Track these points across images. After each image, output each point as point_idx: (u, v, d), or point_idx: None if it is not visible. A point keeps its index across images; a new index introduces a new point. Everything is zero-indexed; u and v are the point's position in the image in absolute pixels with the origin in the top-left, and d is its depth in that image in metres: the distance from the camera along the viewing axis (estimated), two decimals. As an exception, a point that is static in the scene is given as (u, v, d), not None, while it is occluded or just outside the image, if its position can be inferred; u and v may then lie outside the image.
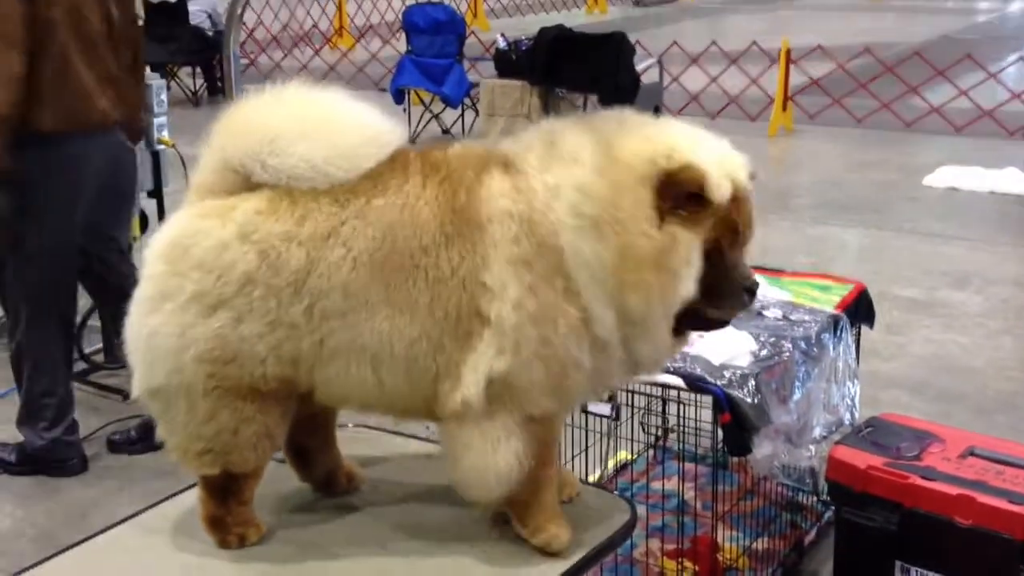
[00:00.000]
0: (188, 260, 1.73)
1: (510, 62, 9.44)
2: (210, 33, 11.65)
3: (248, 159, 1.74)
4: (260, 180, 1.75)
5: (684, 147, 1.72)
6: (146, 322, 1.76)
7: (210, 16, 11.82)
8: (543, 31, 9.34)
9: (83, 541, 1.90)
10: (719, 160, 1.74)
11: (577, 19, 17.72)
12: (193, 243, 1.74)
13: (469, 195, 1.73)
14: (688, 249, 1.70)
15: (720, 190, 1.72)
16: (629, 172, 1.69)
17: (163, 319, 1.74)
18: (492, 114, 9.44)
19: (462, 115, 10.10)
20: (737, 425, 2.72)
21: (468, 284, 1.71)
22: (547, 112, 9.43)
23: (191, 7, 11.68)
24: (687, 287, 1.71)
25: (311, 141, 1.73)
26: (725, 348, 2.87)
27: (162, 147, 4.44)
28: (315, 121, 1.76)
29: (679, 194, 1.69)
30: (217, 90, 12.12)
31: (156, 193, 4.52)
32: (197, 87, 12.20)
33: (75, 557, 1.86)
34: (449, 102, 9.93)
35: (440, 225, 1.72)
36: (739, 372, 2.77)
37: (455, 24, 10.13)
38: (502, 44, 9.63)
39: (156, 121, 4.42)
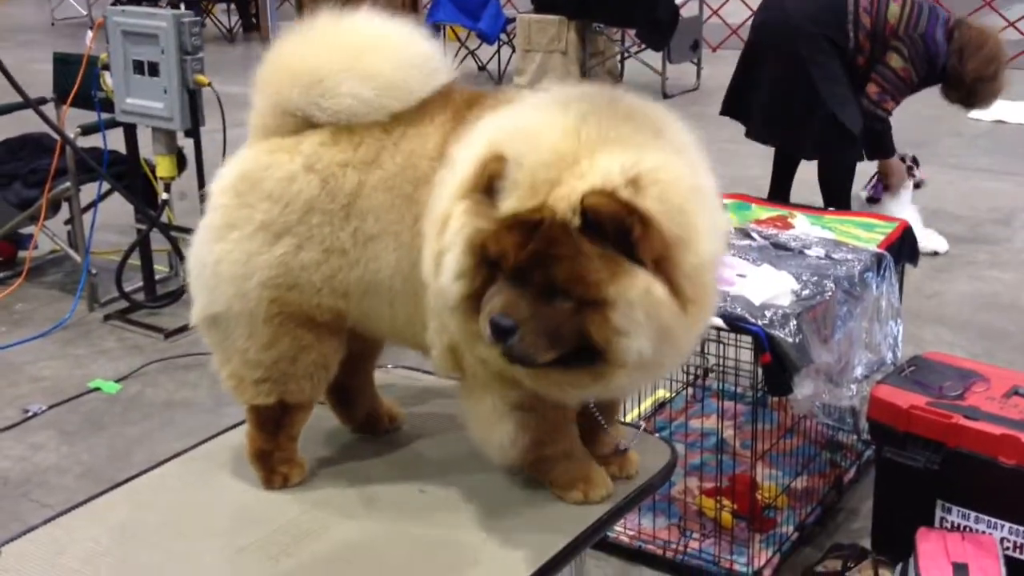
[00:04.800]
0: (257, 192, 1.75)
1: (545, -3, 9.30)
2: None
3: (305, 104, 1.73)
4: (322, 122, 1.74)
5: (527, 139, 1.48)
6: (212, 249, 1.77)
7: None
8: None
9: (132, 478, 1.92)
10: (556, 178, 1.44)
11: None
12: (264, 176, 1.75)
13: (459, 136, 1.67)
14: (454, 229, 1.51)
15: (510, 194, 1.46)
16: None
17: (229, 247, 1.75)
18: (528, 50, 9.31)
19: (498, 51, 9.99)
20: (778, 365, 2.69)
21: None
22: (584, 47, 9.32)
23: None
24: (447, 271, 1.52)
25: (356, 77, 1.71)
26: (766, 287, 2.84)
27: (198, 85, 4.42)
28: (356, 54, 1.73)
29: (483, 179, 1.49)
30: (252, 26, 12.06)
31: (194, 132, 4.50)
32: (232, 24, 12.14)
33: (125, 494, 1.88)
34: (485, 38, 9.83)
35: (432, 160, 1.69)
36: (780, 312, 2.74)
37: (491, -42, 9.97)
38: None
39: (192, 59, 4.39)
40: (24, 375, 4.31)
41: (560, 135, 1.47)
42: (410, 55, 1.75)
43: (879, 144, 5.11)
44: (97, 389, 4.15)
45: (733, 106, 5.35)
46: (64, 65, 5.20)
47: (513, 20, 9.74)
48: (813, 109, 4.91)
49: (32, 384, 4.23)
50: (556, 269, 1.44)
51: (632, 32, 9.58)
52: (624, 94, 1.60)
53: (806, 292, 2.86)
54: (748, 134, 5.33)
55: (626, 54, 9.86)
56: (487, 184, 1.48)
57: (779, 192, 5.26)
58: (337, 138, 1.73)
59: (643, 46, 9.52)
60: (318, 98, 1.72)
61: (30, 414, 3.97)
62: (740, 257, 3.04)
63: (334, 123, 1.74)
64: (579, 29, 9.16)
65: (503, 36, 9.91)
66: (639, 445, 1.94)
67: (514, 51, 9.78)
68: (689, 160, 1.54)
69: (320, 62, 1.73)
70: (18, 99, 4.30)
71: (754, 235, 3.23)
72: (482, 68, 10.11)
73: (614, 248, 1.43)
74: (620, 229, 1.42)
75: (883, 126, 5.01)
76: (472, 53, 10.02)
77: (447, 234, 1.53)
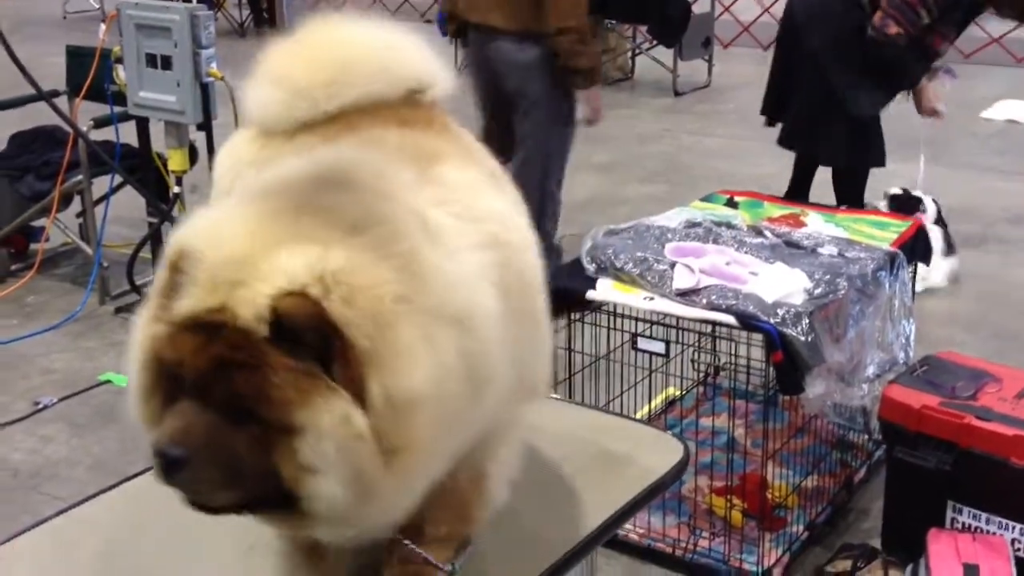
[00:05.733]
0: None
1: (558, -8, 9.29)
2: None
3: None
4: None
5: (209, 233, 1.20)
6: None
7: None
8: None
9: (142, 472, 1.92)
10: (237, 279, 1.15)
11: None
12: None
13: None
14: (132, 341, 1.24)
15: (189, 293, 1.17)
16: None
17: None
18: (540, 45, 9.31)
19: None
20: (789, 364, 2.68)
21: None
22: (598, 42, 9.30)
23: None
24: (128, 392, 1.28)
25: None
26: (779, 285, 2.83)
27: (211, 79, 4.42)
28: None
29: (166, 278, 1.22)
30: (263, 21, 12.07)
31: (206, 126, 4.51)
32: (244, 18, 12.16)
33: (136, 488, 1.88)
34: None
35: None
36: (792, 310, 2.73)
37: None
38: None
39: (204, 53, 4.39)
40: (35, 367, 4.32)
41: (242, 228, 1.19)
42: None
43: (897, 73, 4.80)
44: (108, 382, 4.15)
45: (772, 107, 5.17)
46: (77, 58, 5.21)
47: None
48: (838, 116, 4.81)
49: (43, 376, 4.25)
50: (239, 381, 1.14)
51: (643, 28, 9.55)
52: (358, 174, 1.29)
53: (819, 291, 2.85)
54: (781, 142, 5.14)
55: (637, 51, 9.84)
56: (171, 284, 1.20)
57: (798, 195, 5.16)
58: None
59: (655, 43, 9.49)
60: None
61: (40, 406, 3.98)
62: (752, 255, 3.03)
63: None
64: (591, 25, 9.14)
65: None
66: (650, 440, 1.93)
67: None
68: (413, 266, 1.19)
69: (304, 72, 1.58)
70: (31, 92, 4.32)
71: (767, 233, 3.22)
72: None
73: (310, 361, 1.14)
74: (319, 337, 1.13)
75: (893, 51, 4.66)
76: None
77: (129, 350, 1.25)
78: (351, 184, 1.27)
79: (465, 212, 1.35)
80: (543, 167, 4.55)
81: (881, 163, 4.98)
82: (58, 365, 4.33)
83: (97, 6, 12.62)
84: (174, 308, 1.18)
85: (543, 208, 4.49)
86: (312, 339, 1.13)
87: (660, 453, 1.94)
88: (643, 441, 1.95)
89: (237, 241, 1.18)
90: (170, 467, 1.16)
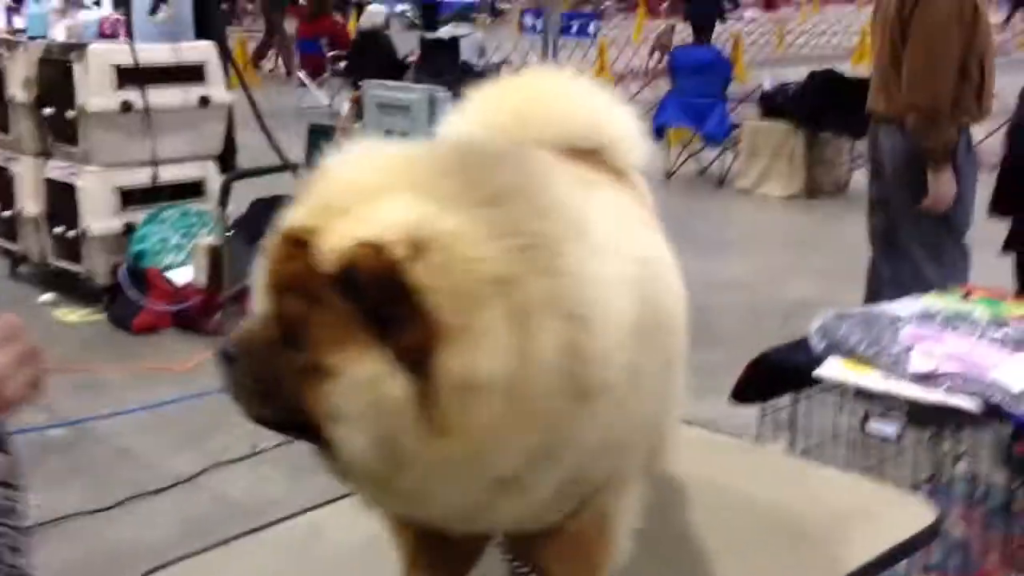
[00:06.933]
0: None
1: (775, 104, 9.31)
2: (477, 68, 12.15)
3: None
4: None
5: (351, 160, 1.24)
6: None
7: (480, 50, 12.33)
8: (813, 73, 9.18)
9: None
10: (342, 208, 1.16)
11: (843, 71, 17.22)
12: None
13: None
14: None
15: (299, 207, 1.20)
16: None
17: None
18: (754, 154, 9.31)
19: (720, 155, 10.02)
20: (1037, 457, 2.51)
21: None
22: (810, 154, 9.21)
23: (463, 43, 12.23)
24: None
25: None
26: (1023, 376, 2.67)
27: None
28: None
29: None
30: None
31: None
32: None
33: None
34: (711, 139, 9.89)
35: None
36: (1041, 402, 2.56)
37: (721, 66, 10.11)
38: (768, 86, 9.51)
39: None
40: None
41: (381, 165, 1.20)
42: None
43: None
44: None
45: (1004, 204, 4.98)
46: (319, 135, 5.57)
47: (738, 126, 9.77)
48: None
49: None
50: (292, 306, 1.14)
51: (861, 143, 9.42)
52: (527, 160, 1.27)
53: (1069, 385, 2.67)
54: (1007, 246, 4.80)
55: (854, 165, 9.68)
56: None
57: None
58: None
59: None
60: None
61: (259, 449, 4.15)
62: (996, 347, 2.88)
63: None
64: (807, 137, 9.09)
65: (726, 141, 9.95)
66: (895, 503, 1.83)
67: (736, 156, 9.79)
68: (536, 250, 1.13)
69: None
70: (270, 164, 4.63)
71: (1011, 325, 3.06)
72: (702, 171, 10.14)
73: (364, 313, 1.11)
74: (381, 293, 1.10)
75: None
76: (694, 155, 10.08)
77: None
78: (514, 163, 1.25)
79: (622, 228, 1.30)
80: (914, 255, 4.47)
81: None
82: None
83: (327, 103, 13.52)
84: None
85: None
86: (373, 293, 1.10)
87: (906, 515, 1.84)
88: (886, 501, 1.85)
89: (365, 175, 1.18)
90: (220, 364, 1.19)
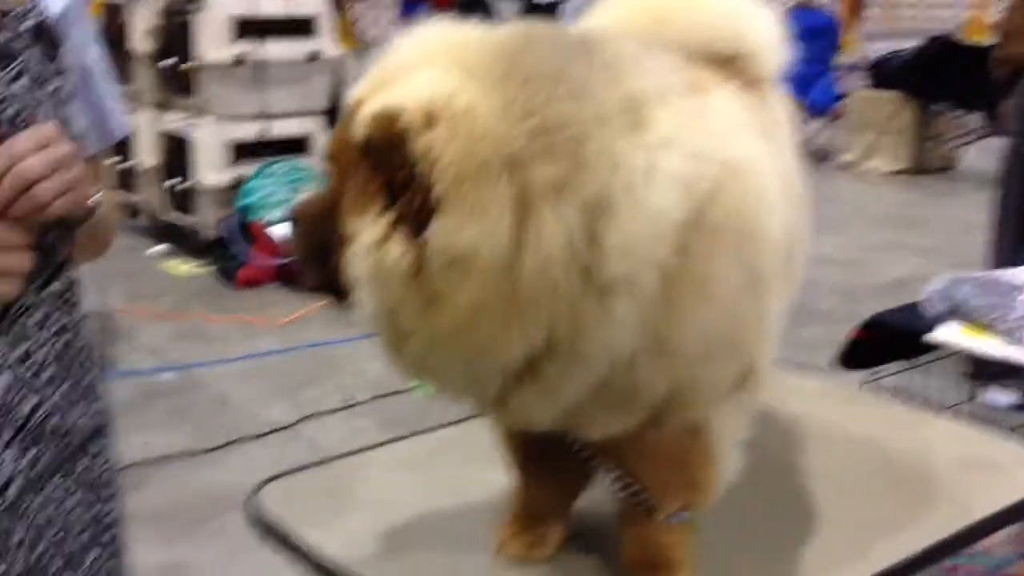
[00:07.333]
0: None
1: (887, 72, 9.04)
2: None
3: None
4: None
5: (416, 33, 1.24)
6: None
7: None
8: (930, 39, 8.85)
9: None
10: (389, 79, 1.19)
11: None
12: None
13: None
14: None
15: (363, 79, 1.25)
16: None
17: None
18: (861, 126, 9.08)
19: (824, 127, 9.80)
20: None
21: None
22: (922, 128, 8.95)
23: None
24: None
25: None
26: None
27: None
28: None
29: None
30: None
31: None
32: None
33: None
34: (815, 108, 9.67)
35: None
36: None
37: (832, 32, 9.82)
38: (878, 54, 9.25)
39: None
40: (347, 370, 4.61)
41: (440, 46, 1.19)
42: None
43: None
44: (416, 389, 4.37)
45: None
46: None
47: (845, 95, 9.53)
48: None
49: (354, 378, 4.52)
50: (338, 172, 1.20)
51: (975, 115, 9.11)
52: (603, 44, 1.21)
53: None
54: None
55: (967, 139, 9.37)
56: None
57: None
58: None
59: (989, 131, 9.03)
60: None
61: (353, 401, 4.25)
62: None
63: None
64: (917, 109, 8.82)
65: (831, 112, 9.71)
66: (1015, 459, 1.75)
67: (840, 128, 9.56)
68: (564, 134, 1.10)
69: None
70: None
71: None
72: (805, 143, 9.94)
73: (383, 180, 1.14)
74: (387, 164, 1.13)
75: None
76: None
77: None
78: (571, 49, 1.19)
79: (713, 131, 1.22)
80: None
81: None
82: (370, 368, 4.61)
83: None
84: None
85: None
86: (383, 160, 1.13)
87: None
88: (1012, 456, 1.77)
89: (418, 51, 1.19)
90: (290, 223, 1.29)
